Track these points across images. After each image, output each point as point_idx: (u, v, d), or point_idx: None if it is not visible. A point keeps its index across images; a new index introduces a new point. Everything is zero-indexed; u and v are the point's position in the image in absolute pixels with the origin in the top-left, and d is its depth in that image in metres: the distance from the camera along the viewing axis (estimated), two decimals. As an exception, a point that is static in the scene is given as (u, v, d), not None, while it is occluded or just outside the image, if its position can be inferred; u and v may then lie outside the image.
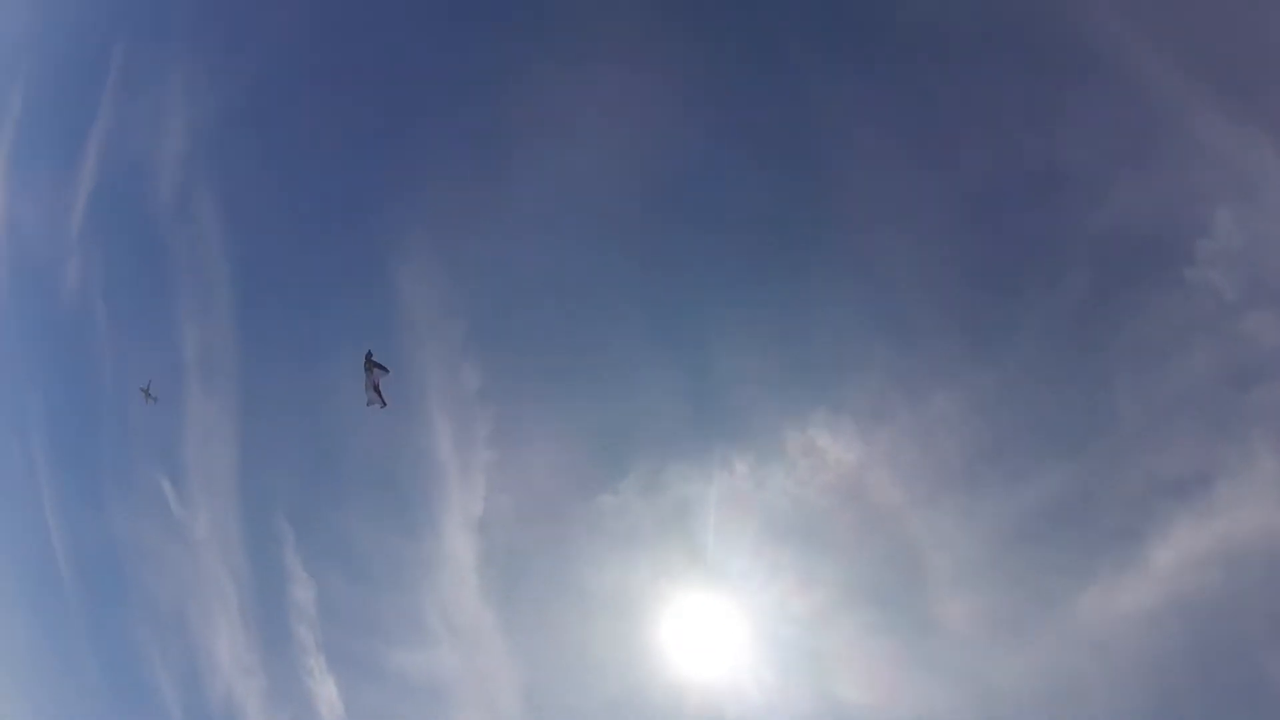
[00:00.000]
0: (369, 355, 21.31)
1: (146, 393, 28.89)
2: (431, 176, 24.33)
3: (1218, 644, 18.27)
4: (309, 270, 25.68)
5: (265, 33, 28.16)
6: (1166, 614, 18.75)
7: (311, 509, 25.87)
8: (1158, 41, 19.45)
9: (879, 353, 20.36)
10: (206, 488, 27.93)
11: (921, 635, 20.61)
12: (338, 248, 25.82)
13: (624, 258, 22.26)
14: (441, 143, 24.55)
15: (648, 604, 21.93)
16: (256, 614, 27.01)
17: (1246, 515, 18.35)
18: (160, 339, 29.49)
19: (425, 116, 24.66)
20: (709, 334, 21.57)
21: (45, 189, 32.82)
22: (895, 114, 21.06)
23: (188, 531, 28.22)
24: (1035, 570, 20.28)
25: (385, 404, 21.64)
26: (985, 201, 20.42)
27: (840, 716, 20.53)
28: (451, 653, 23.65)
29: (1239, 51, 18.92)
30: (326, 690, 24.79)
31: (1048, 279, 20.19)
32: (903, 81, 21.03)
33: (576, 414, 22.27)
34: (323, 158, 26.43)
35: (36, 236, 33.00)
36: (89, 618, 30.93)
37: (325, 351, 25.36)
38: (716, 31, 22.27)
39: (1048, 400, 20.22)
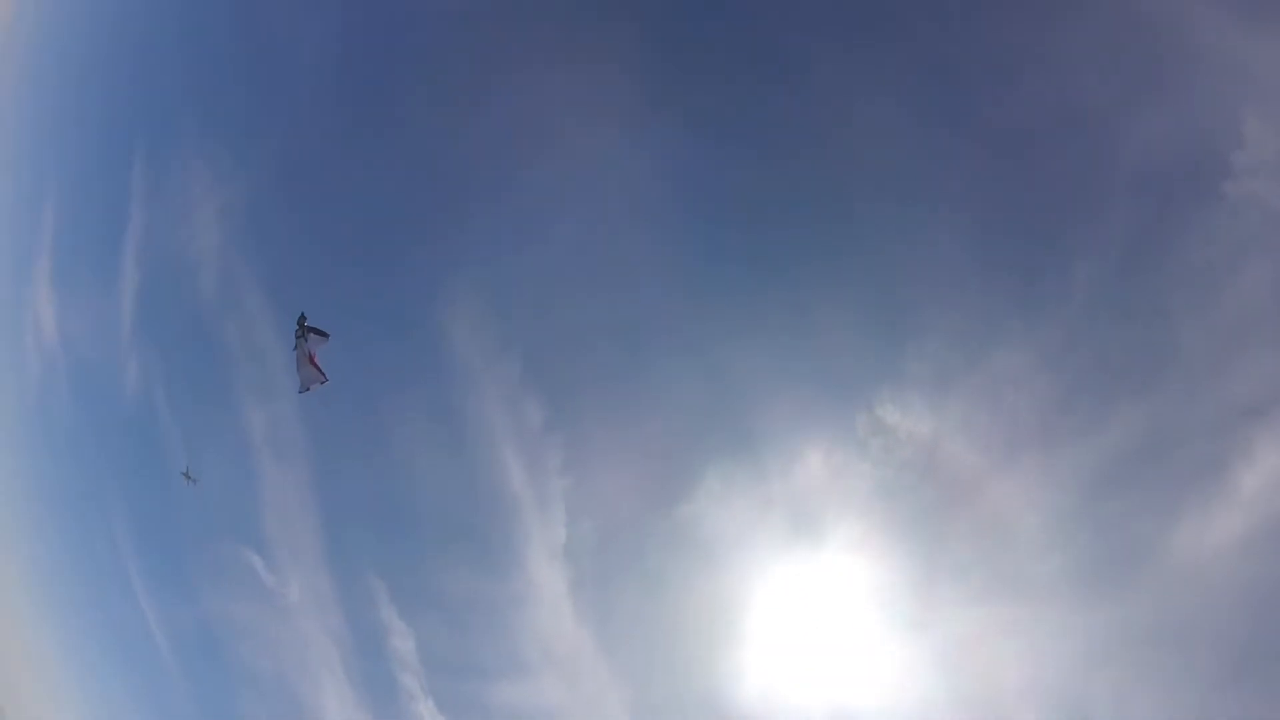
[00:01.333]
0: (302, 319, 18.44)
1: (187, 475, 29.42)
2: (464, 221, 24.84)
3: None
4: (360, 332, 26.11)
5: (281, 108, 28.91)
6: (1261, 539, 18.35)
7: (399, 561, 26.29)
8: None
9: (933, 320, 20.31)
10: (293, 556, 28.43)
11: (1020, 598, 20.36)
12: (384, 305, 26.38)
13: (665, 270, 22.29)
14: (469, 185, 24.96)
15: (741, 608, 21.98)
16: (360, 670, 27.25)
17: (1329, 424, 17.94)
18: (225, 421, 30.05)
19: (451, 163, 25.10)
20: (761, 332, 21.58)
21: (91, 297, 33.96)
22: (904, 78, 21.01)
23: (281, 600, 28.67)
24: (1123, 516, 19.93)
25: (325, 379, 18.90)
26: (1014, 153, 20.23)
27: (953, 691, 20.32)
28: (555, 681, 23.95)
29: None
30: (439, 733, 25.16)
31: (1089, 220, 19.94)
32: (906, 43, 20.93)
33: (642, 429, 22.45)
34: (355, 220, 27.06)
35: (90, 344, 34.17)
36: (196, 697, 31.41)
37: (388, 409, 25.98)
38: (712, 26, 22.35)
39: (1110, 342, 19.93)
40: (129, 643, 33.08)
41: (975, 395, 20.06)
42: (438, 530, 25.57)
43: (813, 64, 21.25)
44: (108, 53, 34.62)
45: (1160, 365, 19.68)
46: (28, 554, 38.44)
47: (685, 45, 22.89)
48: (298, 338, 18.87)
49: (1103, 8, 20.07)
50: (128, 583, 32.55)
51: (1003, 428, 20.02)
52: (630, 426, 22.52)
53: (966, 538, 20.32)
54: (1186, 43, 19.11)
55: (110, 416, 33.72)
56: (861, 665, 20.99)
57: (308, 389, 19.68)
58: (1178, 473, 19.51)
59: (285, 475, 28.00)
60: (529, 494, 23.52)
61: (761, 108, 21.79)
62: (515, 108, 23.70)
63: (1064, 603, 20.16)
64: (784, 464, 21.43)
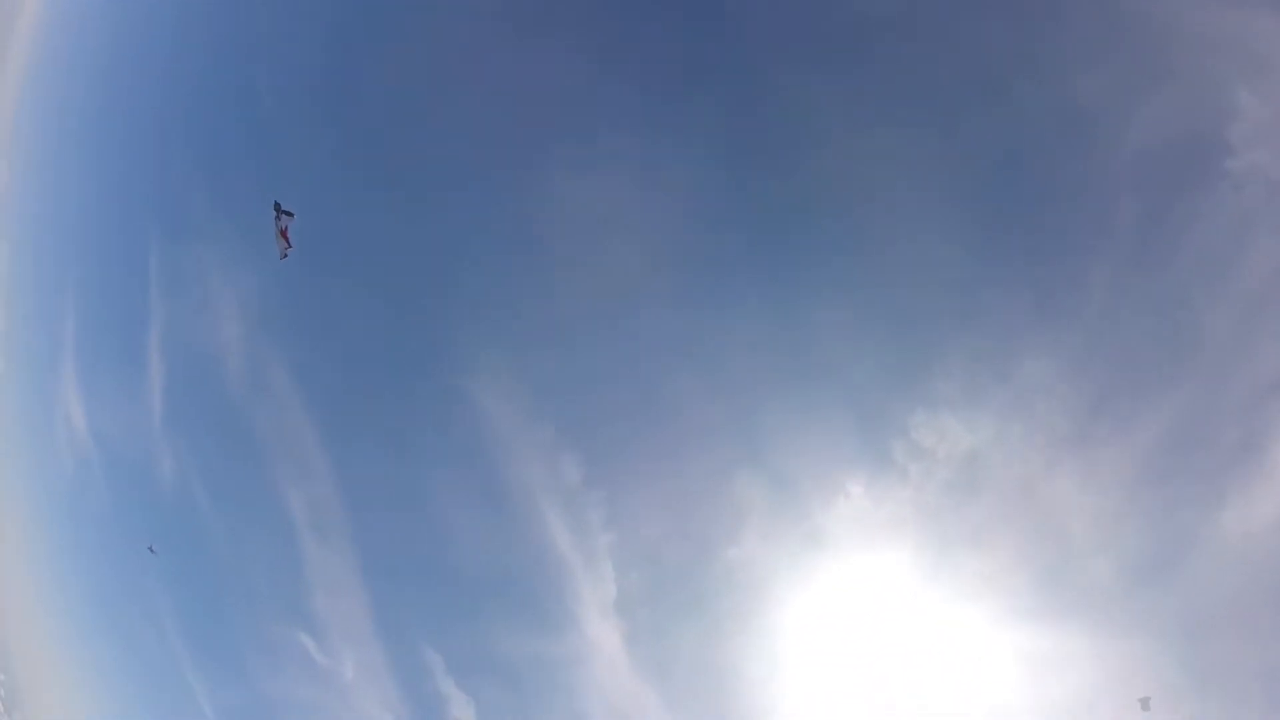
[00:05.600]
0: (277, 205, 21.01)
1: (151, 549, 30.90)
2: (483, 292, 25.27)
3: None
4: (391, 409, 26.53)
5: (296, 189, 28.88)
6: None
7: (452, 630, 26.27)
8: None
9: (955, 339, 20.41)
10: (345, 634, 28.46)
11: (1076, 604, 20.21)
12: (414, 381, 26.64)
13: (689, 315, 22.49)
14: (489, 251, 25.34)
15: (800, 648, 21.89)
16: (424, 742, 27.04)
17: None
18: (265, 506, 30.21)
19: (469, 229, 25.54)
20: (791, 372, 21.77)
21: (118, 391, 34.33)
22: (895, 102, 21.29)
23: (337, 680, 28.59)
24: (1168, 508, 19.81)
25: (291, 247, 21.57)
26: (1013, 161, 20.41)
27: (1012, 710, 20.12)
28: (621, 738, 23.77)
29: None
30: (508, 800, 25.02)
31: (1096, 219, 20.03)
32: (892, 68, 21.26)
33: (681, 478, 22.52)
34: (378, 299, 27.40)
35: (122, 440, 34.59)
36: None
37: (426, 482, 26.18)
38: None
39: (1134, 338, 19.94)
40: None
41: (1007, 408, 20.09)
42: (488, 597, 25.59)
43: (806, 79, 21.54)
44: (119, 142, 35.25)
45: (1185, 353, 19.69)
46: (77, 657, 38.71)
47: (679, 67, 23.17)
48: (275, 219, 21.61)
49: (1082, 5, 20.29)
50: (180, 674, 32.65)
51: (1038, 437, 20.03)
52: (669, 476, 22.66)
53: (1016, 552, 20.23)
54: (1170, 27, 19.25)
55: (148, 509, 34.04)
56: (924, 697, 20.81)
57: (285, 256, 22.33)
58: (1216, 457, 19.45)
59: (330, 555, 28.19)
60: (575, 553, 23.68)
61: (759, 128, 22.09)
62: (542, 180, 24.03)
63: (1117, 604, 20.01)
64: (826, 498, 21.47)
